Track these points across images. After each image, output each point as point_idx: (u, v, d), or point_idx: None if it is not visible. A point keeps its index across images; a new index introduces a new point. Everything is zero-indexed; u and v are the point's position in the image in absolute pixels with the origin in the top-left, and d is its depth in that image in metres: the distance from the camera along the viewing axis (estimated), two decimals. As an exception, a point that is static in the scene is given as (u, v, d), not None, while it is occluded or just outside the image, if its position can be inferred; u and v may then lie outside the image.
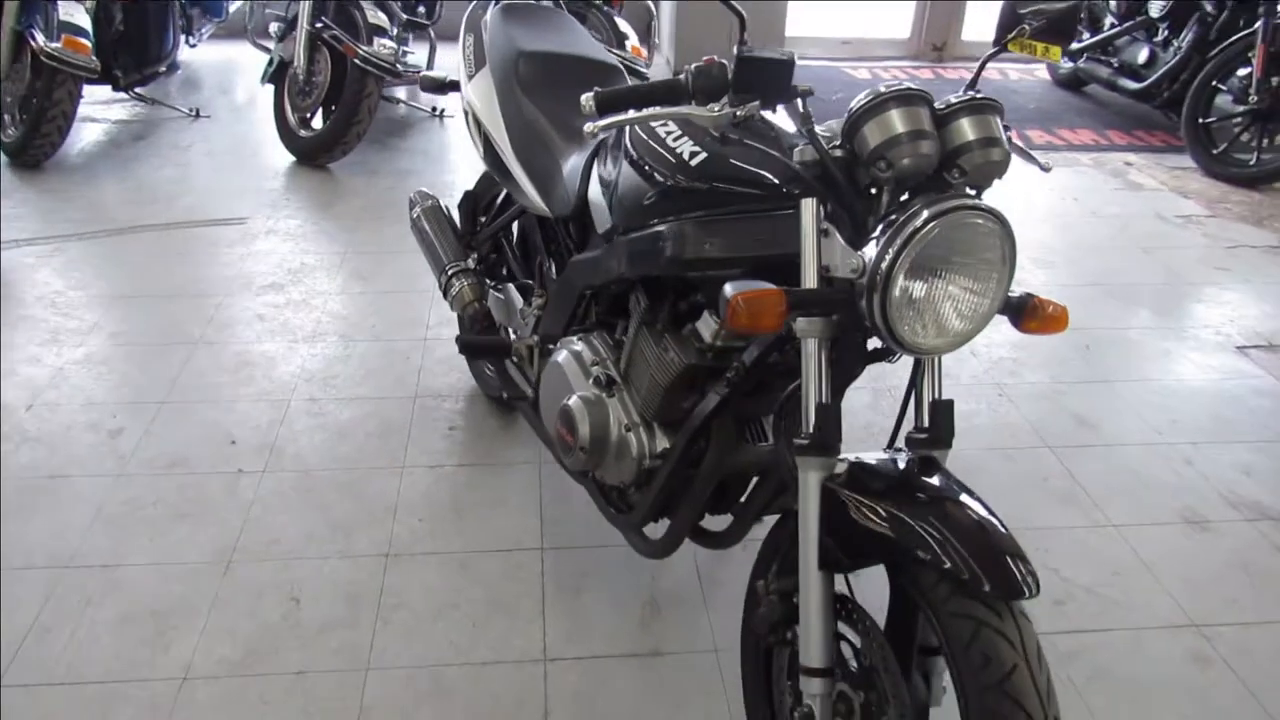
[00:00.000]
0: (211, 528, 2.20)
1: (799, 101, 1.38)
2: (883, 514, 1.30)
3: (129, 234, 3.55)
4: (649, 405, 1.72)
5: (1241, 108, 4.39)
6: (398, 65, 3.96)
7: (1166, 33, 4.85)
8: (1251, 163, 4.38)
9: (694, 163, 1.53)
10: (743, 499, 1.81)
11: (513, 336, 2.33)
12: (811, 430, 1.37)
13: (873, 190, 1.33)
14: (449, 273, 2.31)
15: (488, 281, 2.34)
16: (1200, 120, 4.53)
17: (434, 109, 4.86)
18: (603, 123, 1.42)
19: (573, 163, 2.01)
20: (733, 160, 1.50)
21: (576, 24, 2.43)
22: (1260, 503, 2.41)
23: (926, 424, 1.41)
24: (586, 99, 1.43)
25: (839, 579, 1.41)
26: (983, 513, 1.29)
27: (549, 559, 2.15)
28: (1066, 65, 5.59)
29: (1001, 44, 1.57)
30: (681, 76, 1.40)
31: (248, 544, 2.16)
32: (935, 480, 1.35)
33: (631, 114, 1.42)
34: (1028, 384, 2.87)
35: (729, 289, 1.30)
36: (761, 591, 1.50)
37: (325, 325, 3.02)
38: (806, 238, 1.34)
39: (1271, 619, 2.06)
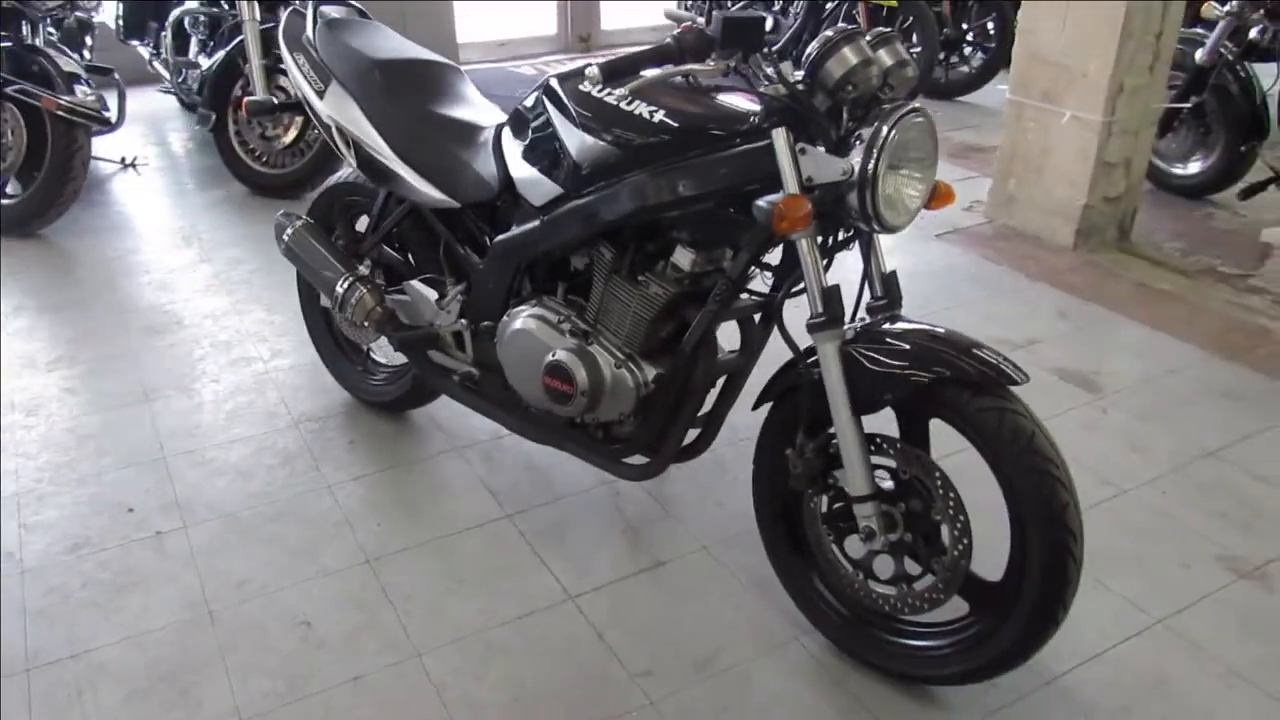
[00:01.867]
0: (166, 589, 2.10)
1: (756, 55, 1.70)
2: (899, 355, 1.68)
3: None
4: (633, 341, 1.96)
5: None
6: (104, 113, 3.70)
7: (782, 1, 5.72)
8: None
9: (656, 120, 1.79)
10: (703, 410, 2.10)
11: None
12: (821, 310, 1.71)
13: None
14: (345, 284, 2.34)
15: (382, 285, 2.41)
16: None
17: (123, 159, 4.52)
18: (630, 86, 1.66)
19: (475, 153, 2.17)
20: (690, 112, 1.78)
21: (393, 32, 2.55)
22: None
23: (881, 293, 1.81)
24: (592, 70, 1.66)
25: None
26: (961, 334, 1.71)
27: (519, 522, 2.30)
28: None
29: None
30: (669, 41, 1.67)
31: (217, 593, 2.09)
32: (912, 325, 1.75)
33: (643, 76, 1.67)
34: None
35: (763, 203, 1.61)
36: (794, 456, 1.81)
37: (151, 382, 2.85)
38: (784, 158, 1.67)
39: (1055, 412, 2.72)
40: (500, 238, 2.13)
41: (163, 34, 4.59)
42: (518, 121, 2.09)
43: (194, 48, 4.58)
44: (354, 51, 2.35)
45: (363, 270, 2.38)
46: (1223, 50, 3.82)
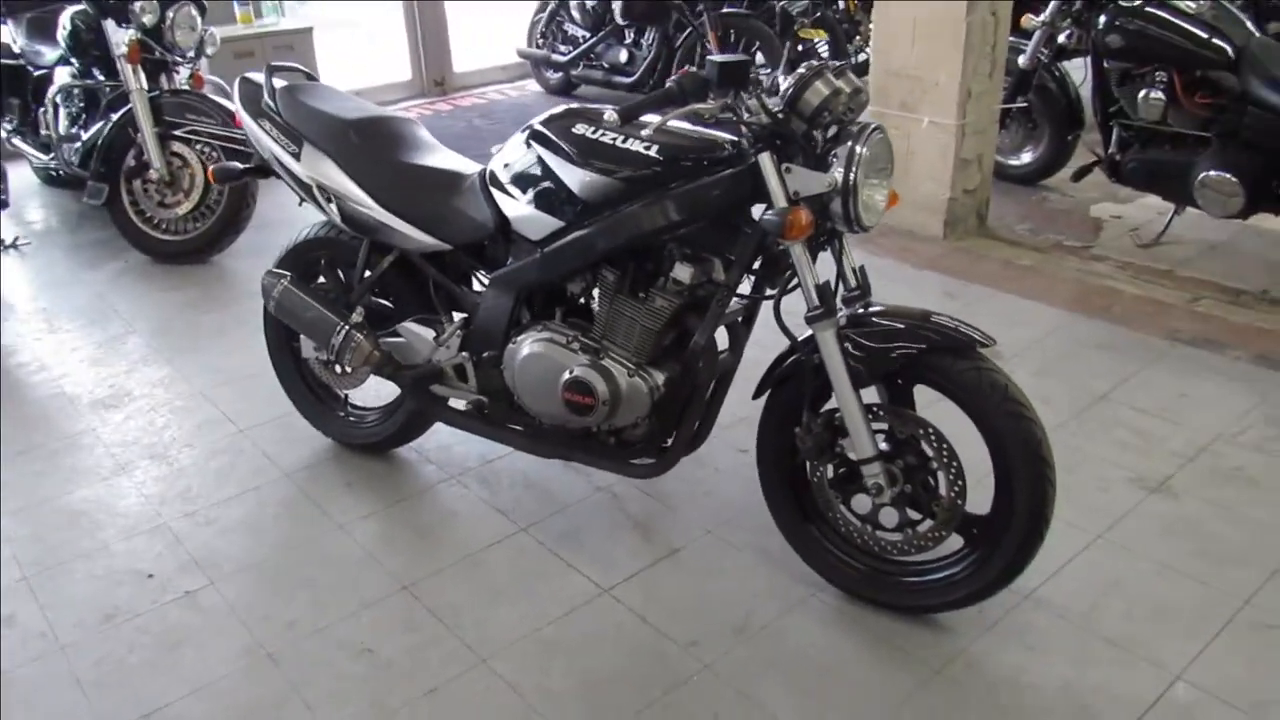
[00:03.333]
0: (216, 641, 2.17)
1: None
2: (890, 335, 1.99)
3: None
4: (641, 351, 2.19)
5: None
6: (1, 195, 3.62)
7: (634, 34, 6.06)
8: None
9: (652, 153, 2.04)
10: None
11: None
12: (818, 303, 2.00)
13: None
14: (343, 332, 2.46)
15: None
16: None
17: (1, 241, 4.37)
18: (654, 126, 1.90)
19: (463, 198, 2.35)
20: (682, 145, 2.04)
21: (342, 90, 2.70)
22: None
23: (855, 284, 2.12)
24: (610, 114, 1.89)
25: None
26: (930, 310, 2.03)
27: (535, 533, 2.48)
28: (555, 76, 6.64)
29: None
30: (671, 86, 1.92)
31: (268, 638, 2.18)
32: (889, 308, 2.07)
33: (657, 119, 1.92)
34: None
35: (773, 215, 1.89)
36: (803, 433, 2.09)
37: (122, 456, 2.85)
38: (771, 177, 1.95)
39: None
40: (499, 273, 2.32)
41: (42, 110, 4.46)
42: (504, 165, 2.29)
43: (64, 121, 4.48)
44: (321, 113, 2.49)
45: (355, 318, 2.51)
46: (1041, 55, 4.40)
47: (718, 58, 1.93)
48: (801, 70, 1.95)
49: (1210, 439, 2.80)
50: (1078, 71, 4.52)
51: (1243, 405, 2.95)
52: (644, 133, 1.97)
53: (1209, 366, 3.20)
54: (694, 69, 1.95)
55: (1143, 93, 3.86)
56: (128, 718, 1.98)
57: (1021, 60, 4.42)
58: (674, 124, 2.01)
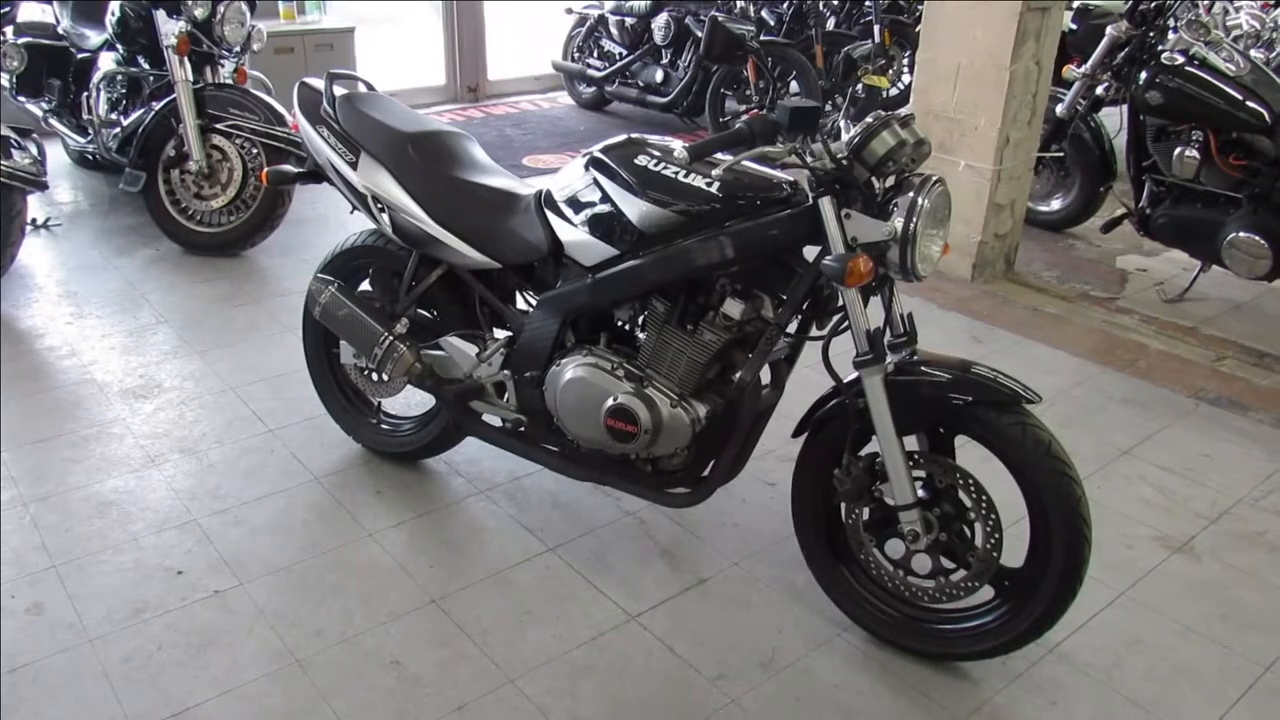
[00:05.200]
0: (245, 644, 2.18)
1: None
2: (937, 384, 2.01)
3: None
4: (686, 383, 2.21)
5: (743, 106, 5.76)
6: (41, 177, 3.64)
7: (671, 55, 6.10)
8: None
9: (713, 189, 2.07)
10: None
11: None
12: (867, 348, 2.02)
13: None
14: (386, 343, 2.48)
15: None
16: (720, 119, 5.83)
17: (34, 220, 4.39)
18: (724, 166, 1.92)
19: (518, 218, 2.37)
20: (744, 183, 2.07)
21: (400, 103, 2.72)
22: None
23: (902, 329, 2.14)
24: (680, 151, 1.92)
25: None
26: (977, 362, 2.05)
27: (563, 554, 2.50)
28: (588, 91, 6.68)
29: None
30: (741, 128, 1.94)
31: (297, 644, 2.19)
32: (937, 357, 2.09)
33: (729, 157, 1.94)
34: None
35: (833, 261, 1.91)
36: (841, 475, 2.11)
37: (152, 448, 2.87)
38: (830, 223, 1.98)
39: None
40: (548, 295, 2.34)
41: (85, 94, 4.49)
42: (561, 189, 2.31)
43: (105, 106, 4.50)
44: (380, 124, 2.51)
45: (399, 329, 2.53)
46: (1078, 105, 4.43)
47: (790, 103, 1.96)
48: (869, 119, 1.98)
49: (1233, 502, 2.82)
50: (1110, 118, 4.56)
51: (1265, 469, 2.98)
52: (714, 172, 1.99)
53: (1232, 428, 3.22)
54: (761, 110, 1.98)
55: (1177, 150, 3.90)
56: (155, 716, 1.99)
57: (1059, 109, 4.45)
58: (743, 165, 2.03)
